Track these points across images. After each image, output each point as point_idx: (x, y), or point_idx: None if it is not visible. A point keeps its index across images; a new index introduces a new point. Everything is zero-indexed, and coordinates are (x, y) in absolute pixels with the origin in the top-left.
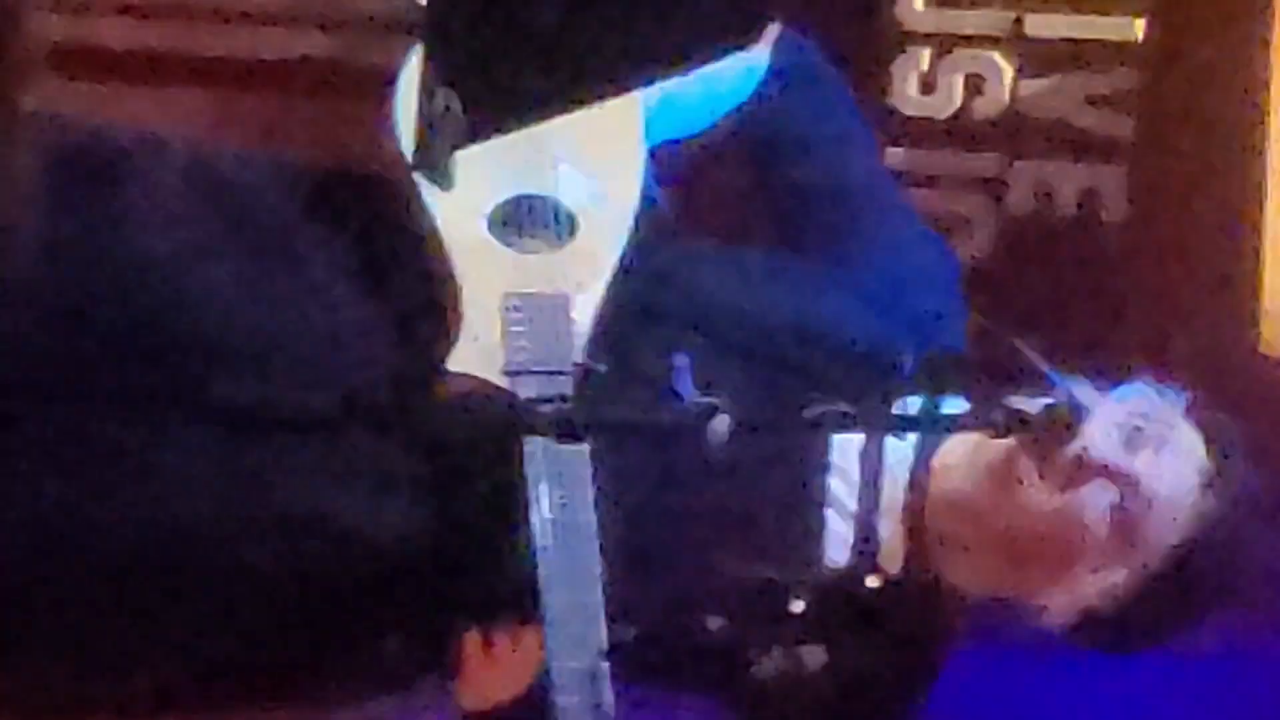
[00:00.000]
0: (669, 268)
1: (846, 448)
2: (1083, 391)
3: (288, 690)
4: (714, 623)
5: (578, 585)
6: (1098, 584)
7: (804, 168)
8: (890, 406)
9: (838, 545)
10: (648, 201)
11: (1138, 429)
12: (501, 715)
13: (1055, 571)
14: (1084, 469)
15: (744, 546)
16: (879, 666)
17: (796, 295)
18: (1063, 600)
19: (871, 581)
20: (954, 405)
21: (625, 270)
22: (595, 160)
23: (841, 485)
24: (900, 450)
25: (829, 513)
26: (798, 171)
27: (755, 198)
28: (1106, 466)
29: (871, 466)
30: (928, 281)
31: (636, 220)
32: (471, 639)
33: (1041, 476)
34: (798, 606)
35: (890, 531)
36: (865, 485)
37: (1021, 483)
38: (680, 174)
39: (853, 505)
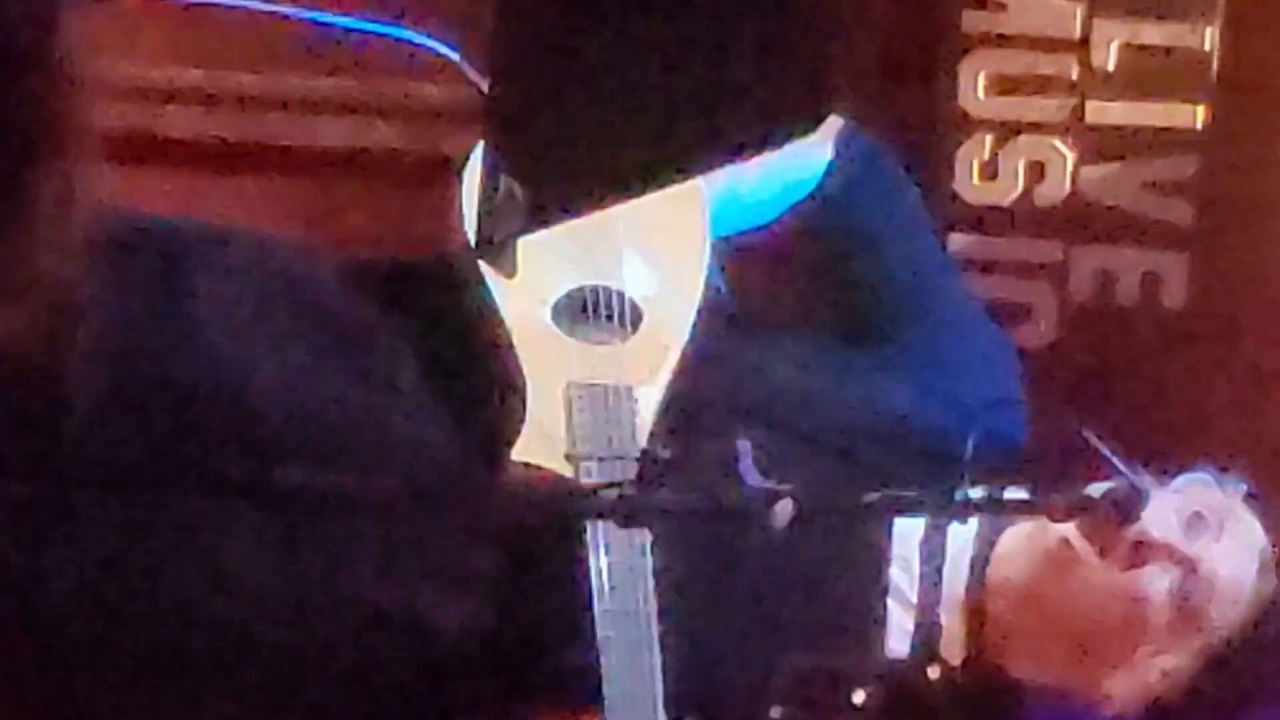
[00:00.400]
0: (732, 357)
1: (908, 537)
2: (1144, 480)
3: None
4: (776, 712)
5: (637, 674)
6: (1160, 669)
7: (865, 261)
8: (952, 495)
9: (899, 635)
10: (712, 290)
11: (1198, 515)
12: None
13: (1117, 656)
14: (1144, 550)
15: (806, 636)
16: None
17: (859, 385)
18: (1126, 688)
19: (933, 672)
20: (1015, 494)
21: (689, 359)
22: (660, 251)
23: (903, 575)
24: (961, 540)
25: (890, 603)
26: (859, 265)
27: (817, 290)
28: (1167, 547)
29: (933, 556)
30: (989, 371)
31: (700, 311)
32: None
33: (1102, 557)
34: (859, 697)
35: (951, 621)
36: (927, 575)
37: (1081, 564)
38: (744, 265)
39: (914, 595)
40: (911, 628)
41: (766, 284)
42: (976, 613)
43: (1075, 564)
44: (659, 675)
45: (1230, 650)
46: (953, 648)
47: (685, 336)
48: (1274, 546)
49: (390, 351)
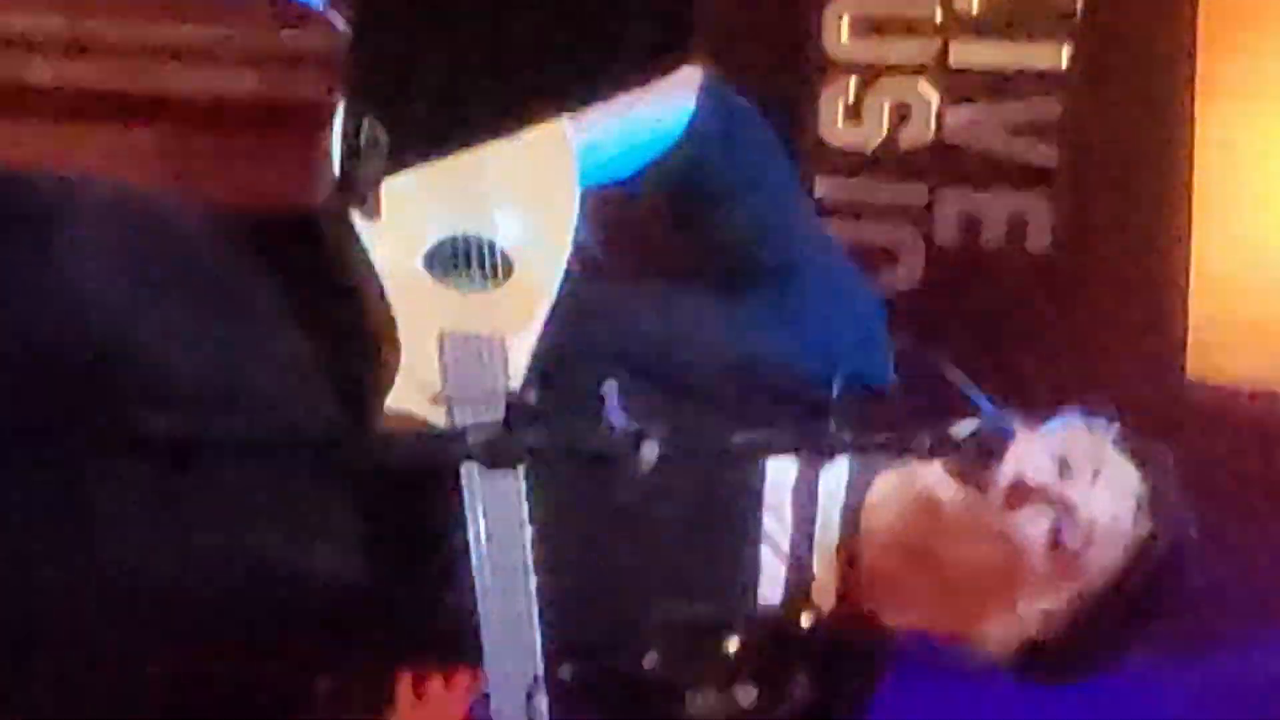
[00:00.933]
0: (602, 306)
1: (780, 486)
2: (1008, 418)
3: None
4: (649, 660)
5: (514, 621)
6: (1036, 611)
7: (728, 211)
8: (820, 435)
9: (772, 583)
10: (580, 241)
11: (1070, 459)
12: None
13: (993, 602)
14: (1020, 493)
15: (679, 584)
16: (811, 704)
17: (723, 332)
18: (1002, 631)
19: (806, 620)
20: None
21: (559, 310)
22: (530, 201)
23: (775, 523)
24: (833, 487)
25: (763, 550)
26: (722, 215)
27: (681, 241)
28: (1043, 490)
29: (805, 504)
30: (853, 317)
31: (569, 261)
32: (404, 680)
33: (976, 500)
34: (732, 645)
35: (824, 569)
36: (798, 523)
37: (954, 510)
38: (608, 217)
39: (786, 543)
40: (784, 575)
41: (631, 235)
42: (849, 560)
43: (948, 510)
44: (536, 624)
45: (1106, 592)
46: (825, 595)
47: (555, 285)
48: (1146, 488)
49: (262, 301)
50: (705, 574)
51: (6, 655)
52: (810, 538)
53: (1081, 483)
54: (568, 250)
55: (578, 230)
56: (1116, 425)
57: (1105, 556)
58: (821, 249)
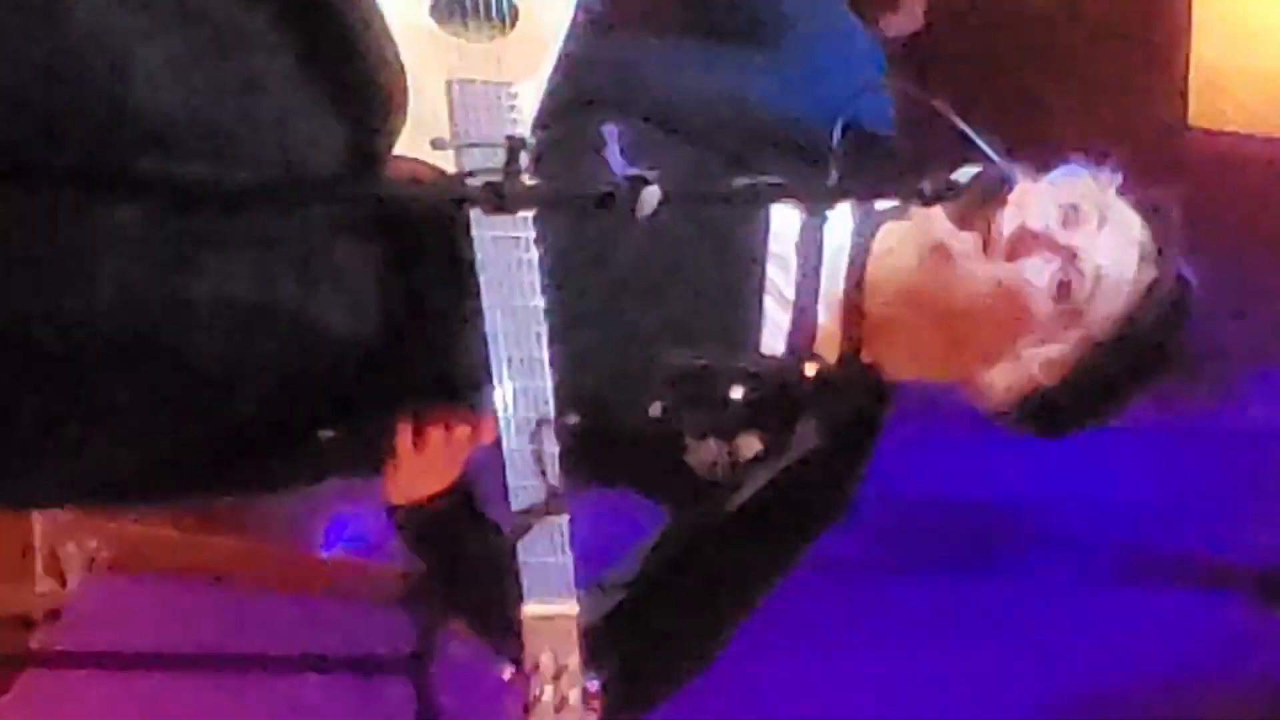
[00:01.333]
0: (606, 57)
1: (784, 235)
2: (1008, 162)
3: (234, 477)
4: (654, 409)
5: (524, 363)
6: (1041, 358)
7: None
8: (825, 180)
9: (775, 332)
10: None
11: (1075, 206)
12: (428, 509)
13: (997, 349)
14: (1024, 241)
15: (684, 332)
16: (813, 453)
17: (726, 81)
18: (1007, 378)
19: (809, 369)
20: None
21: (564, 59)
22: None
23: (779, 273)
24: (838, 237)
25: (767, 300)
26: None
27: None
28: (1047, 238)
29: (809, 254)
30: (853, 64)
31: (576, 10)
32: (403, 427)
33: (982, 250)
34: (736, 393)
35: (828, 319)
36: (803, 273)
37: (960, 258)
38: None
39: (791, 292)
40: (788, 325)
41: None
42: (854, 310)
43: (954, 258)
44: (546, 366)
45: (1109, 339)
46: (829, 346)
47: (561, 35)
48: (1150, 236)
49: (263, 43)
50: (709, 322)
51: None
52: (815, 288)
53: (1086, 230)
54: (574, 2)
55: None
56: (1120, 175)
57: (1110, 304)
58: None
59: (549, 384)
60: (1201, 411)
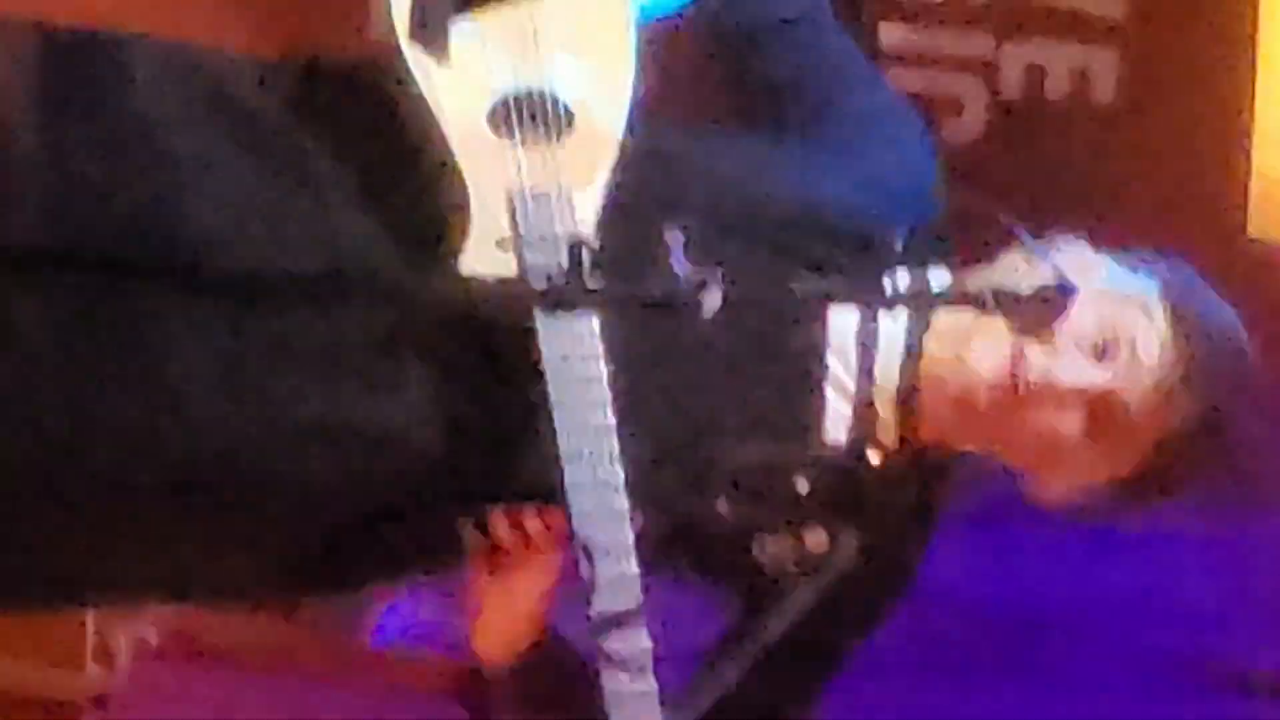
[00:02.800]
0: (663, 155)
1: (843, 328)
2: (1073, 252)
3: (310, 582)
4: (722, 505)
5: (597, 461)
6: (1085, 476)
7: (773, 44)
8: (879, 281)
9: (837, 423)
10: (637, 90)
11: (1109, 328)
12: (528, 662)
13: (1039, 470)
14: (1054, 393)
15: (749, 427)
16: (878, 540)
17: (784, 176)
18: (1053, 484)
19: (874, 457)
20: (937, 276)
21: (621, 160)
22: (588, 49)
23: (839, 364)
24: (893, 332)
25: (828, 391)
26: (768, 48)
27: (737, 86)
28: (1078, 391)
29: (867, 345)
30: (910, 156)
31: (632, 106)
32: (498, 519)
33: (1010, 394)
34: (802, 486)
35: (886, 409)
36: (862, 364)
37: (992, 393)
38: (663, 61)
39: (851, 384)
40: (849, 415)
41: (686, 80)
42: (910, 399)
43: (989, 391)
44: (618, 462)
45: (1152, 456)
46: (888, 434)
47: (619, 134)
48: (1185, 345)
49: (317, 160)
50: (773, 415)
51: (84, 504)
52: (872, 378)
53: (1120, 361)
54: (628, 98)
55: (636, 77)
56: (1166, 271)
57: (1149, 429)
58: (870, 87)
59: (620, 475)
60: (1260, 520)
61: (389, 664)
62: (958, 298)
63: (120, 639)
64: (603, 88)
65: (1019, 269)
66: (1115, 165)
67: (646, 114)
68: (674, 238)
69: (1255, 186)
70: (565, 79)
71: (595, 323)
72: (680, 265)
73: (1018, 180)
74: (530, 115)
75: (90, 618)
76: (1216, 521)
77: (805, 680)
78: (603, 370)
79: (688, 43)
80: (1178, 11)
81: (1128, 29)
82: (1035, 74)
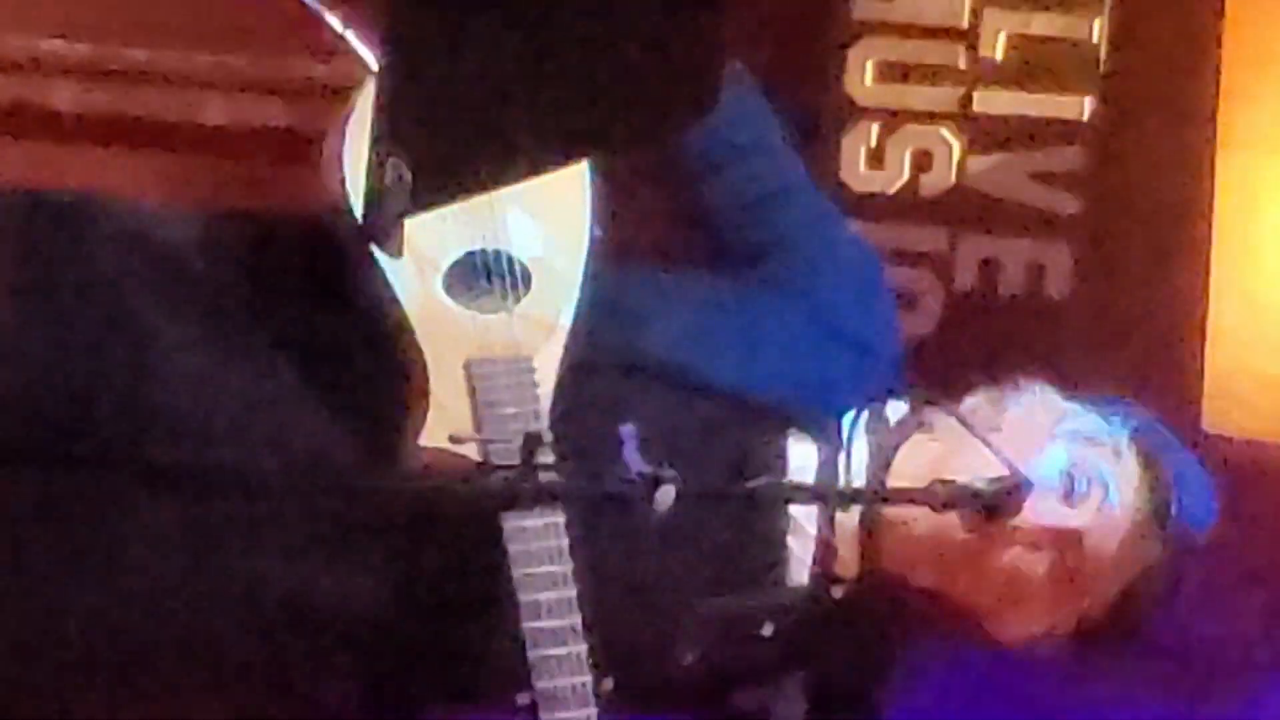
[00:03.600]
0: (621, 308)
1: (803, 470)
2: (1017, 398)
3: None
4: (688, 657)
5: (562, 646)
6: (1042, 623)
7: (728, 175)
8: (835, 475)
9: (799, 567)
10: (594, 236)
11: (1076, 470)
12: None
13: (999, 614)
14: (1023, 531)
15: (711, 585)
16: (848, 671)
17: (747, 334)
18: (1011, 629)
19: (836, 591)
20: (896, 409)
21: (581, 318)
22: (543, 207)
23: (800, 510)
24: (855, 472)
25: (789, 539)
26: (723, 179)
27: (688, 216)
28: (1048, 532)
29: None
30: (862, 296)
31: (587, 264)
32: None
33: (980, 542)
34: (767, 630)
35: (846, 547)
36: (823, 509)
37: (960, 545)
38: (614, 198)
39: (811, 528)
40: (810, 557)
41: (637, 217)
42: (870, 535)
43: (952, 542)
44: (584, 648)
45: (1110, 606)
46: (848, 568)
47: (576, 293)
48: (1152, 496)
49: (281, 341)
50: (735, 568)
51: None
52: (833, 521)
53: (1088, 507)
54: (585, 253)
55: (591, 230)
56: (1133, 424)
57: (1109, 579)
58: (824, 220)
59: (586, 660)
60: (1219, 713)
61: None
62: (917, 498)
63: None
64: (559, 241)
65: (979, 411)
66: (1069, 358)
67: (603, 262)
68: (626, 433)
69: (1210, 381)
70: (520, 238)
71: (560, 520)
72: (633, 460)
73: (972, 372)
74: (487, 276)
75: None
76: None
77: None
78: (567, 559)
79: (636, 179)
80: (1132, 207)
81: (1081, 224)
82: (990, 268)
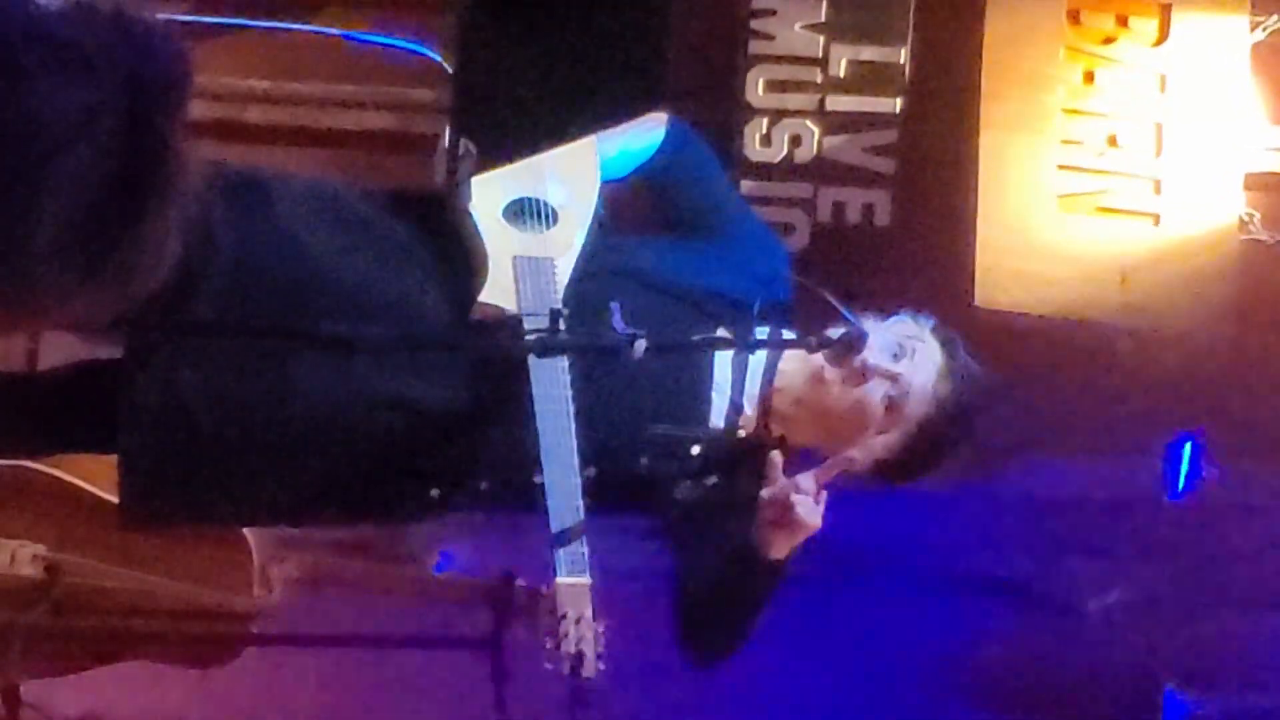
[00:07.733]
0: (613, 246)
1: (724, 359)
2: (868, 323)
3: (365, 512)
4: (644, 463)
5: (560, 437)
6: (881, 443)
7: (688, 191)
8: (749, 334)
9: (718, 415)
10: (598, 213)
11: (901, 346)
12: None
13: (853, 437)
14: (868, 372)
15: (662, 415)
16: (747, 480)
17: (691, 266)
18: (860, 454)
19: (739, 434)
20: (787, 333)
21: (588, 248)
22: (569, 177)
23: (721, 380)
24: (757, 359)
25: (713, 395)
26: (684, 193)
27: (656, 213)
28: (883, 370)
29: (739, 368)
30: (770, 260)
31: (593, 219)
32: None
33: (841, 380)
34: (695, 450)
35: (750, 408)
36: (734, 381)
37: (828, 383)
38: (614, 198)
39: (728, 392)
40: (726, 410)
41: (626, 210)
42: (765, 404)
43: (826, 383)
44: (574, 445)
45: (922, 430)
46: (750, 424)
47: (585, 231)
48: (946, 361)
49: (405, 250)
50: (678, 409)
51: (237, 466)
52: (741, 390)
53: (907, 361)
54: (592, 210)
55: (597, 205)
56: (931, 320)
57: (920, 407)
58: (751, 220)
59: (575, 454)
60: (988, 479)
61: (444, 584)
62: (792, 341)
63: (275, 571)
64: (576, 200)
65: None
66: (890, 261)
67: (602, 226)
68: (614, 307)
69: (979, 272)
70: (554, 192)
71: (565, 362)
72: (619, 325)
73: (830, 274)
74: (532, 213)
75: (255, 554)
76: (961, 483)
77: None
78: (569, 391)
79: (628, 190)
80: (927, 167)
81: (896, 179)
82: (839, 208)
